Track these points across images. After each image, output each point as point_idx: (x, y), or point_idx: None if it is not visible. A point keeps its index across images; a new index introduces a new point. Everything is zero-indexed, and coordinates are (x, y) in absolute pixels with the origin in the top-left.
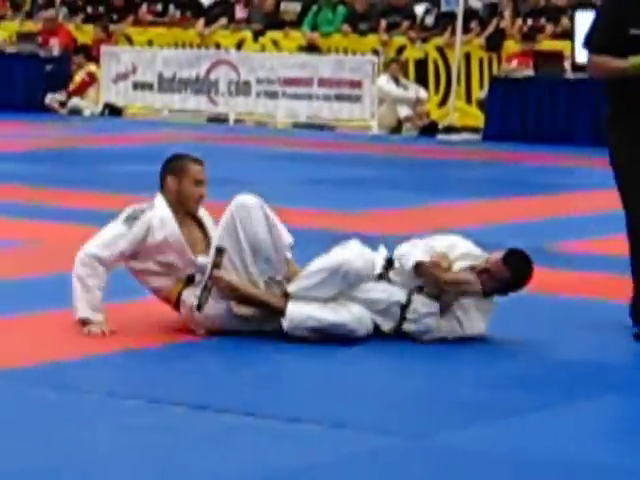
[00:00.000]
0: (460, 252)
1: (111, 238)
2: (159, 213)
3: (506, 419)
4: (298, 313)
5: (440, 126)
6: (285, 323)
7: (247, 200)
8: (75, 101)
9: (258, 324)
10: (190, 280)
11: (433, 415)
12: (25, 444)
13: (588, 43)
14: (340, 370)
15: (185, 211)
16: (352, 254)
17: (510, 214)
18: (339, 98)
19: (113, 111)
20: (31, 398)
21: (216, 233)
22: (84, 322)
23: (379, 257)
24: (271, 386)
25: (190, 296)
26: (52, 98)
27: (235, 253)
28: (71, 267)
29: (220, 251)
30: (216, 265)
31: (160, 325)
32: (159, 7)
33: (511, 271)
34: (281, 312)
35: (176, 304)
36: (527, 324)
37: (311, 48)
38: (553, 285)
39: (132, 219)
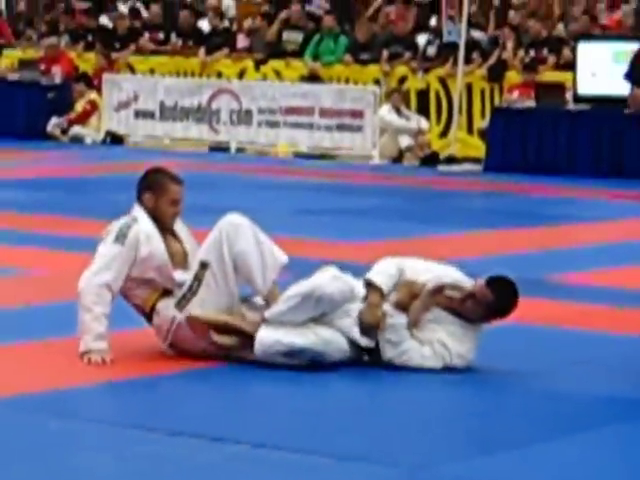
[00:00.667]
0: (433, 276)
1: (110, 260)
2: (144, 227)
3: (509, 451)
4: (267, 338)
5: (441, 156)
6: (256, 347)
7: (236, 218)
8: (77, 129)
9: (238, 352)
10: (167, 292)
11: (435, 446)
12: (25, 472)
13: (630, 76)
14: (334, 399)
15: (161, 226)
16: (325, 279)
17: (511, 245)
18: (340, 128)
19: (115, 139)
20: (32, 426)
21: (202, 247)
22: (85, 352)
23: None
24: (270, 415)
25: (166, 308)
26: (54, 126)
27: (218, 268)
28: (70, 295)
29: (204, 265)
30: (198, 279)
31: (160, 353)
32: (161, 35)
33: (495, 294)
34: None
35: (149, 314)
36: (527, 355)
37: (313, 78)
38: (554, 317)
39: (122, 236)
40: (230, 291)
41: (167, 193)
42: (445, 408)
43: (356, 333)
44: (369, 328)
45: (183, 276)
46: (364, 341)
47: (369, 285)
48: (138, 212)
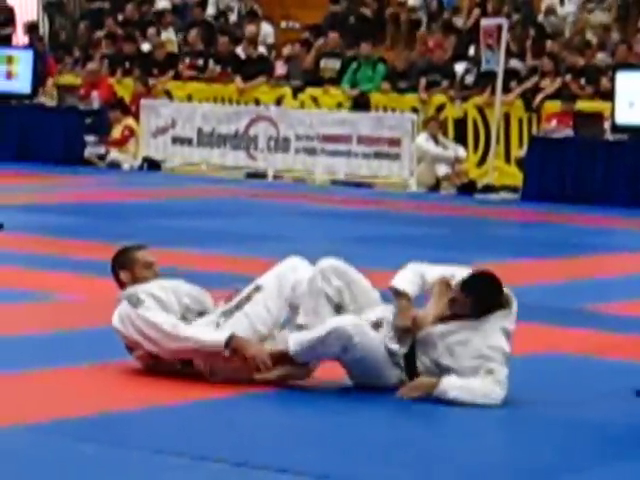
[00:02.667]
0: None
1: (158, 312)
2: (147, 287)
3: None
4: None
5: (478, 185)
6: (291, 347)
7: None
8: (114, 154)
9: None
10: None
11: (470, 477)
12: None
13: None
14: (356, 426)
15: None
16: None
17: (548, 274)
18: (378, 156)
19: (152, 165)
20: (68, 451)
21: (266, 275)
22: (234, 347)
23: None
24: (310, 443)
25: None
26: (91, 152)
27: (271, 294)
28: (106, 320)
29: (258, 288)
30: (248, 297)
31: (194, 379)
32: (200, 62)
33: (471, 296)
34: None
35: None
36: (563, 385)
37: (358, 104)
38: (596, 347)
39: (137, 301)
40: (274, 319)
41: (137, 261)
42: (477, 438)
43: (388, 340)
44: (403, 332)
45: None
46: (395, 347)
47: (395, 293)
48: (127, 290)
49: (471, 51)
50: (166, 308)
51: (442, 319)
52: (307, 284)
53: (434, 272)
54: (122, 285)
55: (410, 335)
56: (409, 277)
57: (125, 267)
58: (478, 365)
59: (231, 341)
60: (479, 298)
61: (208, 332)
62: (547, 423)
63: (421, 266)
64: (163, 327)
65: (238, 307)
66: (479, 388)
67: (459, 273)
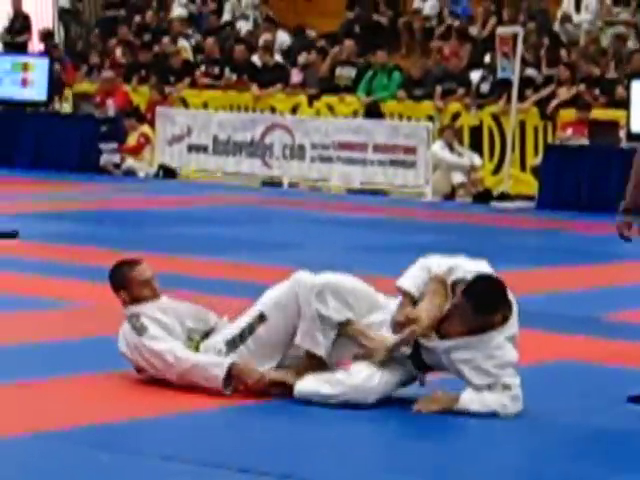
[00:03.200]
0: (456, 277)
1: (161, 341)
2: (148, 311)
3: None
4: (305, 389)
5: (494, 193)
6: (295, 394)
7: (309, 279)
8: (130, 162)
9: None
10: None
11: None
12: None
13: None
14: (371, 436)
15: None
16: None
17: (565, 283)
18: (393, 164)
19: (167, 173)
20: (83, 458)
21: (267, 298)
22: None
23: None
24: (316, 452)
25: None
26: (106, 160)
27: (276, 326)
28: (118, 328)
29: (262, 318)
30: (251, 328)
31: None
32: (216, 70)
33: (472, 303)
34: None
35: None
36: (581, 393)
37: (370, 113)
38: (612, 355)
39: (140, 326)
40: (279, 348)
41: (133, 280)
42: (496, 446)
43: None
44: (397, 326)
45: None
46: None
47: (400, 292)
48: (131, 310)
49: (487, 59)
50: (170, 332)
51: (445, 334)
52: (302, 306)
53: (441, 266)
54: (124, 303)
55: (403, 330)
56: (415, 274)
57: (123, 287)
58: (491, 382)
59: (232, 369)
60: (480, 304)
61: (210, 362)
62: (566, 431)
63: (429, 260)
64: (166, 357)
65: (242, 339)
66: (495, 402)
67: (465, 267)
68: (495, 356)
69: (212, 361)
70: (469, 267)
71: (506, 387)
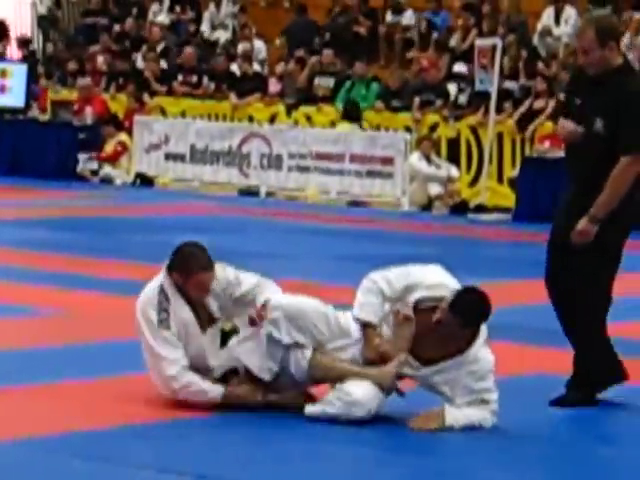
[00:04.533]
0: (419, 296)
1: (169, 344)
2: (180, 314)
3: None
4: (314, 412)
5: (471, 205)
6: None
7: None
8: (107, 170)
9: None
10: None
11: None
12: None
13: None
14: (330, 449)
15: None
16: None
17: (542, 295)
18: (370, 174)
19: (144, 181)
20: (56, 466)
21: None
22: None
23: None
24: (306, 466)
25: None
26: (84, 167)
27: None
28: (91, 336)
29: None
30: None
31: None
32: (194, 78)
33: (459, 317)
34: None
35: None
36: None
37: (348, 115)
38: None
39: (165, 320)
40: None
41: (193, 280)
42: (470, 457)
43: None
44: (370, 364)
45: (217, 361)
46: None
47: (360, 323)
48: (168, 287)
49: (458, 67)
50: (177, 341)
51: (426, 357)
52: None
53: (392, 286)
54: (171, 276)
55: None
56: (369, 301)
57: (180, 272)
58: (472, 400)
59: (226, 398)
60: (469, 318)
61: (206, 387)
62: (537, 443)
63: (378, 281)
64: (165, 366)
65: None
66: (477, 416)
67: (424, 281)
68: (475, 371)
69: (207, 387)
70: (428, 281)
71: (485, 402)
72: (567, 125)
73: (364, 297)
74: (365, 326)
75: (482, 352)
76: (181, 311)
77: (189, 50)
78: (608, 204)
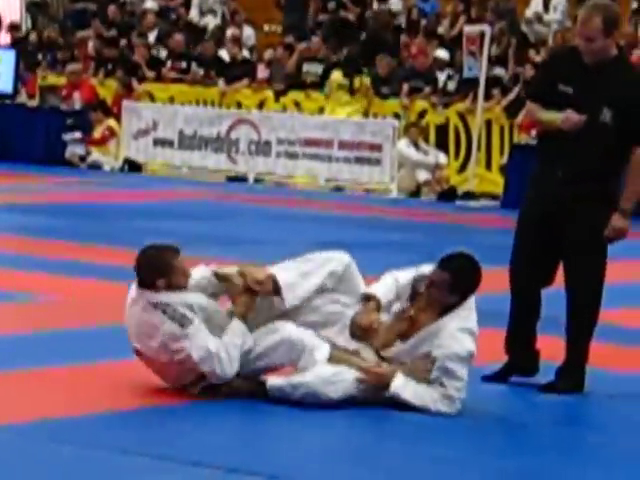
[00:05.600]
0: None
1: (204, 332)
2: (191, 301)
3: None
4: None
5: (459, 192)
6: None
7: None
8: (95, 156)
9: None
10: None
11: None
12: None
13: (526, 91)
14: (322, 432)
15: None
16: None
17: None
18: (359, 161)
19: (133, 167)
20: (46, 452)
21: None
22: None
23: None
24: (285, 449)
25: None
26: (72, 153)
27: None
28: (84, 320)
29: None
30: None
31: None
32: (183, 64)
33: (451, 273)
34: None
35: None
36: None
37: None
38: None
39: (183, 317)
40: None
41: (178, 270)
42: (459, 444)
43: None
44: (360, 331)
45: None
46: (353, 344)
47: (367, 296)
48: (160, 297)
49: (440, 53)
50: (210, 317)
51: (401, 335)
52: None
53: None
54: (156, 289)
55: (364, 334)
56: (382, 282)
57: (165, 274)
58: (432, 378)
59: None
60: (458, 273)
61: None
62: (519, 429)
63: (392, 274)
64: (214, 354)
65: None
66: (427, 395)
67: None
68: (443, 345)
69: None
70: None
71: (442, 385)
72: (573, 116)
73: (379, 281)
74: (371, 299)
75: (460, 336)
76: (187, 299)
77: (178, 36)
78: (636, 196)
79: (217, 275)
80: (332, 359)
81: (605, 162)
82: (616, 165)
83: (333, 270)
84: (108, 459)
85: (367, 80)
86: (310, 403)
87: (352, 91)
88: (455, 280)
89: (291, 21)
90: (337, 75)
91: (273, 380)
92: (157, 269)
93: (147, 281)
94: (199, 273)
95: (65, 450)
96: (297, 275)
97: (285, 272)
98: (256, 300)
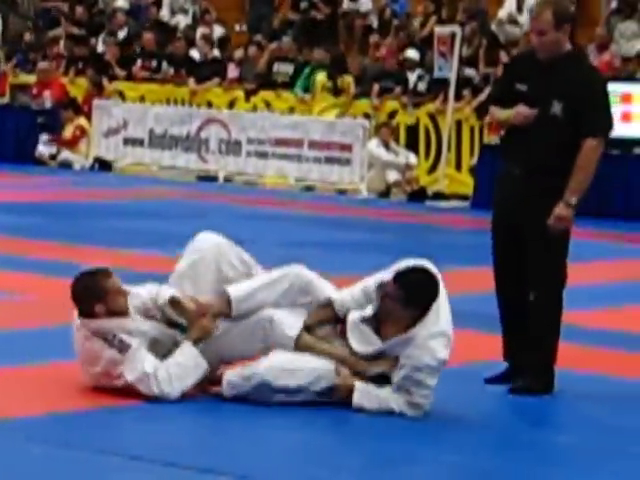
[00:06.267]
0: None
1: (136, 352)
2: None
3: None
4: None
5: (429, 192)
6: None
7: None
8: (65, 154)
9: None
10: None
11: None
12: None
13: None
14: (286, 433)
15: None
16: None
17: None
18: (329, 160)
19: (103, 165)
20: (15, 451)
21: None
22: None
23: None
24: (256, 449)
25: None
26: (42, 151)
27: None
28: (54, 319)
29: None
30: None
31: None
32: (154, 63)
33: (404, 289)
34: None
35: None
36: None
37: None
38: None
39: (120, 342)
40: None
41: (111, 290)
42: (427, 444)
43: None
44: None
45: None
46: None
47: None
48: (101, 324)
49: (411, 53)
50: (156, 341)
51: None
52: None
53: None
54: (96, 316)
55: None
56: (348, 291)
57: (100, 299)
58: (400, 384)
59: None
60: (411, 290)
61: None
62: (492, 431)
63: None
64: (150, 377)
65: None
66: (394, 403)
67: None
68: (412, 356)
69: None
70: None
71: (407, 391)
72: (522, 110)
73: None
74: (325, 305)
75: (432, 344)
76: (126, 324)
77: (148, 35)
78: (581, 188)
79: (172, 302)
80: (302, 345)
81: (560, 157)
82: (571, 160)
83: (287, 288)
84: (79, 459)
85: (350, 80)
86: (267, 398)
87: (336, 92)
88: (408, 296)
89: (257, 19)
90: (321, 76)
91: (227, 375)
92: (92, 295)
93: (85, 309)
94: (145, 292)
95: (36, 450)
96: (250, 289)
97: (237, 287)
98: (215, 325)
